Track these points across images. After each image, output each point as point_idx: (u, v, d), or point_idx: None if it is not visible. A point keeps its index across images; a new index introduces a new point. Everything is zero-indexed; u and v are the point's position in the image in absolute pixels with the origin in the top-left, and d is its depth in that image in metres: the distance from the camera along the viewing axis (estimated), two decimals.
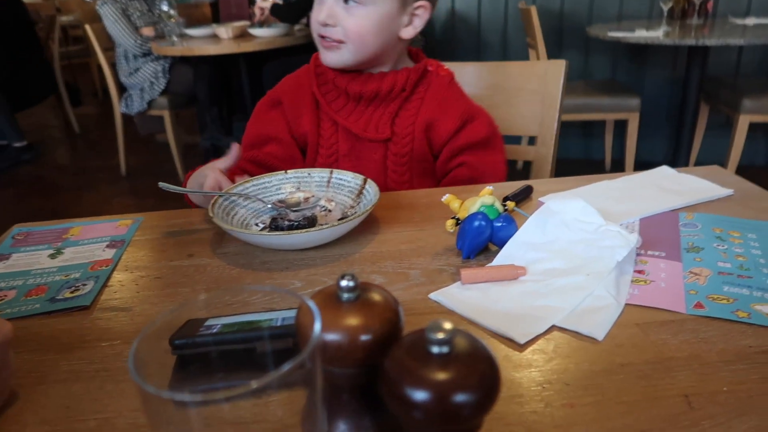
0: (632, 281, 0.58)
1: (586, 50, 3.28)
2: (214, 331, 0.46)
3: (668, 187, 0.80)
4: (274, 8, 2.99)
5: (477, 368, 0.30)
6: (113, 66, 3.37)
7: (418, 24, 0.94)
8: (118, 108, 3.36)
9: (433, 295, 0.58)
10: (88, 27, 3.32)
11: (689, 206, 0.75)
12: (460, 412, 0.29)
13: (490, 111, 1.27)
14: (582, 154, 3.47)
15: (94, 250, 0.73)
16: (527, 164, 1.26)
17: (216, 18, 4.34)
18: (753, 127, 2.64)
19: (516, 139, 1.24)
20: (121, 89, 3.39)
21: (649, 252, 0.64)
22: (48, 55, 4.43)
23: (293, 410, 0.31)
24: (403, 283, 0.61)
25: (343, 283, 0.34)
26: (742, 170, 2.80)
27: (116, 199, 3.27)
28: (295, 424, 0.32)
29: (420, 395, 0.29)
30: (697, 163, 3.02)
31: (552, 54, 3.20)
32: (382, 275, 0.63)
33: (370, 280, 0.62)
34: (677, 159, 2.84)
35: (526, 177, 1.25)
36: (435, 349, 0.30)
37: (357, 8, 0.88)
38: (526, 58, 3.15)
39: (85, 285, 0.64)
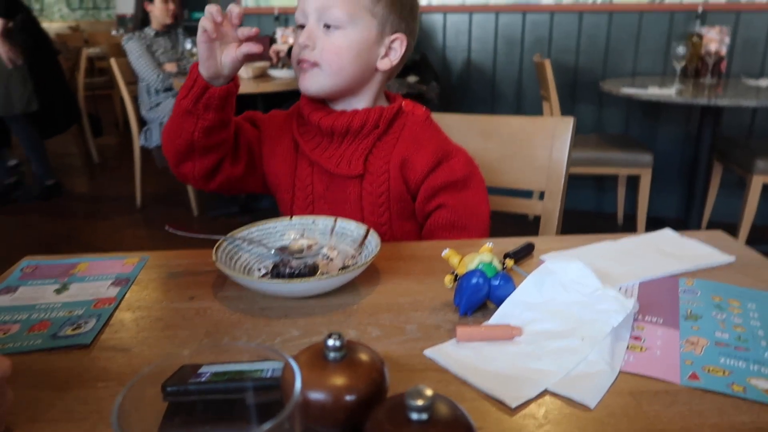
0: (628, 347, 0.58)
1: (599, 104, 3.32)
2: (206, 379, 0.46)
3: (670, 251, 0.81)
4: (290, 51, 3.08)
5: None
6: (135, 99, 3.47)
7: (394, 57, 0.96)
8: (138, 140, 3.43)
9: (427, 352, 0.58)
10: (113, 60, 3.43)
11: (690, 272, 0.75)
12: None
13: (499, 165, 1.30)
14: (594, 207, 3.48)
15: (99, 288, 0.74)
16: (538, 217, 1.27)
17: None
18: (766, 188, 2.64)
19: (527, 194, 1.25)
20: (142, 122, 3.47)
21: (647, 317, 0.64)
22: (73, 85, 4.56)
23: None
24: (398, 337, 0.61)
25: (330, 342, 0.35)
26: (755, 231, 2.79)
27: (129, 230, 3.31)
28: None
29: None
30: (710, 222, 3.01)
31: (565, 107, 3.24)
32: (378, 328, 0.63)
33: (367, 332, 0.62)
34: (690, 217, 2.83)
35: (536, 229, 1.26)
36: (414, 416, 0.30)
37: (336, 32, 0.90)
38: (539, 109, 3.20)
39: (87, 323, 0.65)
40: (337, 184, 0.97)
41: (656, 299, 0.68)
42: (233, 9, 0.84)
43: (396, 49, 0.96)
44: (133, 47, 3.30)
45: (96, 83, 5.94)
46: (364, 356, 0.36)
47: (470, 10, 3.41)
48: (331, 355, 0.35)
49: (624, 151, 2.78)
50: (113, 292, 0.73)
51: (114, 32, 6.64)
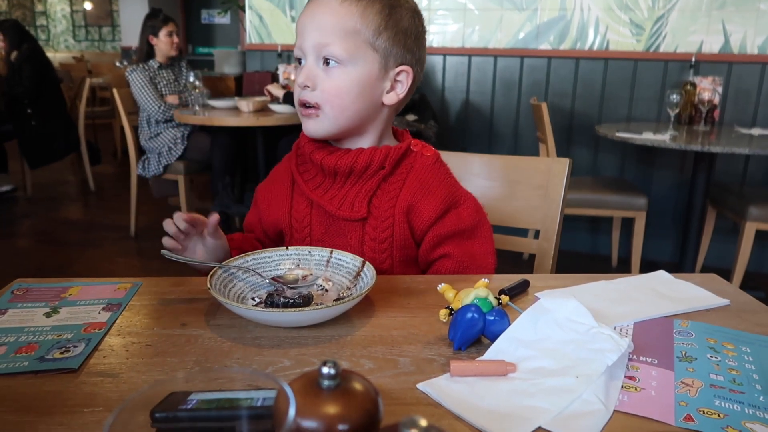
0: (622, 387, 0.58)
1: (595, 147, 3.37)
2: (195, 406, 0.46)
3: (664, 293, 0.81)
4: (286, 96, 3.12)
5: None
6: (135, 129, 3.50)
7: (401, 90, 0.92)
8: (136, 170, 3.45)
9: (420, 386, 0.57)
10: (115, 91, 3.47)
11: (684, 314, 0.75)
12: None
13: (496, 203, 1.31)
14: (589, 249, 3.49)
15: (90, 312, 0.73)
16: (533, 255, 1.27)
17: (239, 91, 4.53)
18: (760, 235, 2.66)
19: (524, 232, 1.26)
20: (140, 152, 3.49)
21: (642, 358, 0.63)
22: (74, 113, 4.61)
23: None
24: (391, 371, 0.61)
25: (325, 370, 0.34)
26: (749, 277, 2.79)
27: (122, 259, 3.29)
28: None
29: None
30: (704, 267, 3.02)
31: (561, 149, 3.29)
32: (371, 360, 0.63)
33: (360, 364, 0.62)
34: (684, 261, 2.84)
35: (531, 267, 1.26)
36: None
37: (336, 69, 0.87)
38: (536, 151, 3.24)
39: (76, 347, 0.64)
40: (338, 227, 0.92)
41: (651, 340, 0.68)
42: (177, 218, 0.86)
43: (402, 81, 0.91)
44: (136, 78, 3.34)
45: (97, 112, 6.00)
46: (358, 386, 0.36)
47: (469, 53, 3.48)
48: (326, 383, 0.35)
49: (619, 194, 2.80)
50: (104, 317, 0.72)
51: (118, 63, 6.74)
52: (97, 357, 0.63)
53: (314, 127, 0.90)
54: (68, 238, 3.65)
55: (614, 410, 0.54)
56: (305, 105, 0.89)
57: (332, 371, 0.35)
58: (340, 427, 0.33)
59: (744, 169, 3.15)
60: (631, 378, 0.60)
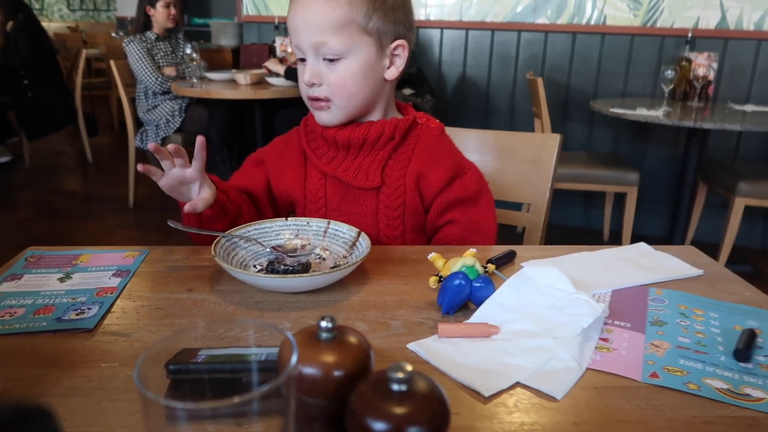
0: (596, 347, 0.63)
1: (590, 123, 3.40)
2: (206, 360, 0.50)
3: (643, 263, 0.85)
4: (288, 72, 3.12)
5: (430, 406, 0.34)
6: (133, 101, 3.51)
7: (400, 63, 0.95)
8: (134, 142, 3.46)
9: (410, 345, 0.62)
10: (113, 62, 3.46)
11: (660, 282, 0.80)
12: None
13: (489, 177, 1.34)
14: (581, 223, 3.54)
15: (101, 278, 0.78)
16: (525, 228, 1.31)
17: (236, 64, 4.52)
18: (750, 210, 2.71)
19: (518, 206, 1.30)
20: (138, 124, 3.51)
21: (616, 322, 0.68)
22: (70, 85, 4.60)
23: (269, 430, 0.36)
24: (384, 332, 0.66)
25: (323, 323, 0.39)
26: (737, 251, 2.85)
27: (121, 230, 3.33)
28: None
29: (378, 426, 0.33)
30: (694, 241, 3.07)
31: (556, 124, 3.31)
32: (365, 323, 0.67)
33: (354, 326, 0.67)
34: (674, 235, 2.90)
35: (522, 240, 1.31)
36: (395, 387, 0.34)
37: (337, 63, 0.90)
38: (531, 125, 3.26)
39: (90, 309, 0.69)
40: (353, 196, 0.97)
41: (626, 306, 0.73)
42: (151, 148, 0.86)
43: (400, 55, 0.95)
44: (133, 50, 3.34)
45: (93, 84, 5.97)
46: (352, 338, 0.40)
47: (467, 27, 3.48)
48: (324, 335, 0.39)
49: (612, 169, 2.84)
50: (114, 282, 0.77)
51: (114, 34, 6.67)
52: (110, 318, 0.68)
53: (327, 117, 0.95)
54: (67, 210, 3.69)
55: (587, 368, 0.59)
56: (315, 99, 0.93)
57: (329, 325, 0.39)
58: (336, 373, 0.38)
59: (736, 145, 3.19)
60: (604, 339, 0.65)
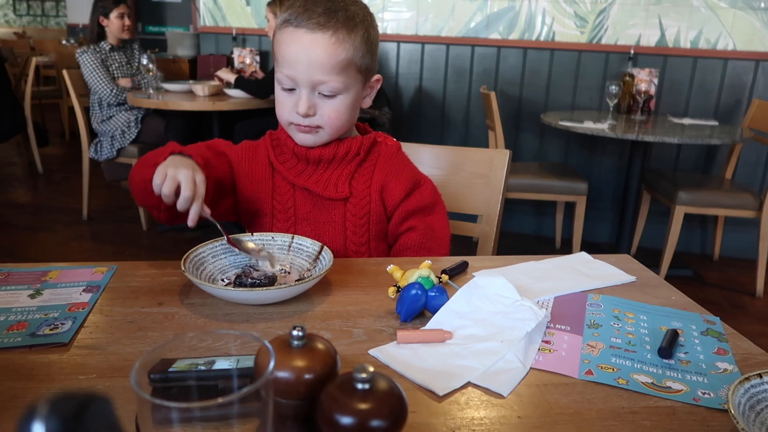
0: (539, 349, 0.70)
1: (541, 135, 3.54)
2: (183, 368, 0.54)
3: (583, 271, 0.93)
4: (239, 81, 3.14)
5: (390, 402, 0.40)
6: (86, 111, 3.45)
7: (373, 93, 1.05)
8: (87, 152, 3.41)
9: (371, 351, 0.67)
10: (65, 72, 3.41)
11: (597, 289, 0.88)
12: None
13: (443, 189, 1.41)
14: (534, 231, 3.67)
15: (72, 293, 0.80)
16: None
17: (193, 75, 4.50)
18: (689, 218, 2.88)
19: (473, 217, 1.36)
20: (92, 134, 3.46)
21: (557, 325, 0.76)
22: (19, 93, 4.48)
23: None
24: (347, 340, 0.71)
25: (294, 332, 0.44)
26: (678, 256, 3.02)
27: (75, 243, 3.27)
28: None
29: (345, 420, 0.39)
30: (639, 247, 3.24)
31: (509, 136, 3.43)
32: (329, 331, 0.72)
33: (319, 335, 0.71)
34: (621, 242, 3.04)
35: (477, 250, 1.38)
36: (359, 386, 0.40)
37: (332, 98, 0.96)
38: (486, 136, 3.37)
39: (63, 324, 0.72)
40: (322, 206, 1.03)
41: (567, 311, 0.80)
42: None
43: (374, 86, 1.04)
44: (87, 61, 3.29)
45: (43, 92, 5.82)
46: (320, 345, 0.45)
47: (423, 41, 3.58)
48: (295, 343, 0.44)
49: (562, 179, 2.97)
50: (86, 297, 0.79)
51: (65, 42, 6.53)
52: (84, 333, 0.71)
53: (312, 140, 1.01)
54: (18, 222, 3.60)
55: (531, 368, 0.66)
56: (304, 126, 0.98)
57: (300, 333, 0.44)
58: (306, 376, 0.43)
59: (677, 156, 3.38)
60: (546, 342, 0.71)
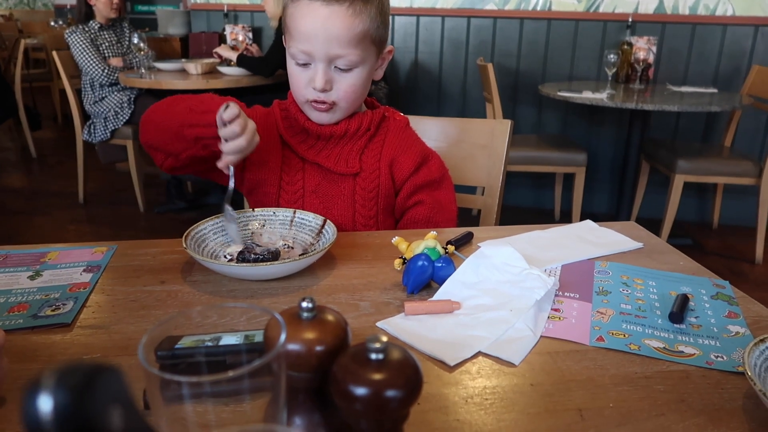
0: (549, 317, 0.69)
1: (539, 106, 3.50)
2: (190, 345, 0.53)
3: (589, 239, 0.92)
4: (242, 59, 3.08)
5: (404, 372, 0.39)
6: (78, 93, 3.40)
7: (385, 65, 1.03)
8: (81, 135, 3.37)
9: (379, 324, 0.67)
10: (55, 54, 3.35)
11: (605, 256, 0.87)
12: (390, 405, 0.38)
13: (446, 161, 1.40)
14: (533, 204, 3.66)
15: (72, 274, 0.79)
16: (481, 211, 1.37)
17: (185, 53, 4.43)
18: (688, 186, 2.87)
19: (472, 189, 1.35)
20: (85, 117, 3.41)
21: (566, 293, 0.75)
22: (9, 77, 4.41)
23: (259, 409, 0.39)
24: (354, 313, 0.70)
25: (304, 304, 0.43)
26: (678, 225, 3.02)
27: (72, 226, 3.25)
28: (259, 420, 0.41)
29: (360, 391, 0.38)
30: (639, 217, 3.23)
31: (507, 108, 3.40)
32: (336, 305, 0.71)
33: (329, 307, 0.70)
34: (620, 212, 3.04)
35: (479, 222, 1.36)
36: (373, 356, 0.39)
37: (350, 72, 0.94)
38: (483, 109, 3.34)
39: (65, 305, 0.70)
40: (331, 180, 1.02)
41: (575, 279, 0.79)
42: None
43: (386, 58, 1.02)
44: (76, 41, 3.23)
45: (33, 75, 5.73)
46: (330, 317, 0.44)
47: (417, 13, 3.52)
48: (305, 314, 0.43)
49: (560, 150, 2.95)
50: (86, 277, 0.78)
51: (53, 23, 6.41)
52: (86, 313, 0.70)
53: (328, 118, 0.99)
54: (13, 207, 3.57)
55: (541, 336, 0.65)
56: (320, 102, 0.96)
57: (310, 305, 0.43)
58: (317, 348, 0.42)
59: (676, 124, 3.35)
60: (556, 310, 0.71)
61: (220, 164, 0.87)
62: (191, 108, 0.88)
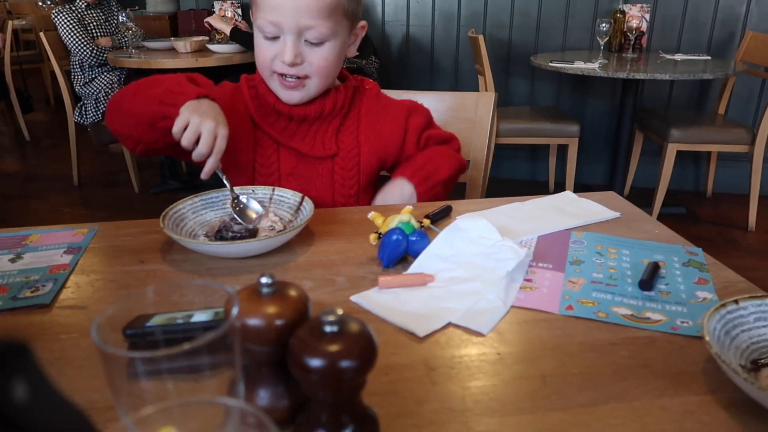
0: (521, 288, 0.70)
1: (532, 78, 3.48)
2: (160, 323, 0.54)
3: (567, 210, 0.93)
4: (235, 33, 3.04)
5: (359, 343, 0.40)
6: (68, 74, 3.38)
7: (358, 42, 1.01)
8: (72, 117, 3.36)
9: (353, 297, 0.68)
10: (42, 34, 3.32)
11: (581, 226, 0.87)
12: (345, 375, 0.39)
13: None
14: (528, 176, 3.66)
15: (52, 256, 0.80)
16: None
17: (174, 31, 4.38)
18: (682, 155, 2.86)
19: None
20: (76, 98, 3.39)
21: (540, 264, 0.76)
22: None
23: (223, 385, 0.40)
24: (329, 288, 0.71)
25: (263, 280, 0.44)
26: (672, 194, 3.02)
27: (67, 209, 3.26)
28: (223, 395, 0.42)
29: (315, 362, 0.39)
30: (633, 187, 3.23)
31: (500, 80, 3.38)
32: (312, 281, 0.72)
33: (301, 284, 0.71)
34: (614, 182, 3.04)
35: (464, 195, 1.37)
36: (328, 329, 0.40)
37: (321, 46, 0.92)
38: (476, 81, 3.32)
39: (44, 286, 0.71)
40: (308, 162, 1.01)
41: (550, 249, 0.80)
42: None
43: (359, 35, 1.01)
44: (63, 21, 3.20)
45: (23, 57, 5.67)
46: (291, 291, 0.45)
47: None
48: (264, 290, 0.44)
49: (553, 122, 2.94)
50: (66, 259, 0.79)
51: (41, 3, 6.33)
52: (66, 293, 0.71)
53: (298, 97, 0.96)
54: (9, 191, 3.57)
55: (512, 306, 0.66)
56: (290, 76, 0.93)
57: (269, 281, 0.44)
58: (277, 322, 0.43)
59: (669, 93, 3.33)
60: (528, 280, 0.71)
61: (203, 176, 0.85)
62: (161, 99, 0.86)
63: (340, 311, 0.40)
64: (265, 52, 0.94)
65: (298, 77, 0.94)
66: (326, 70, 0.95)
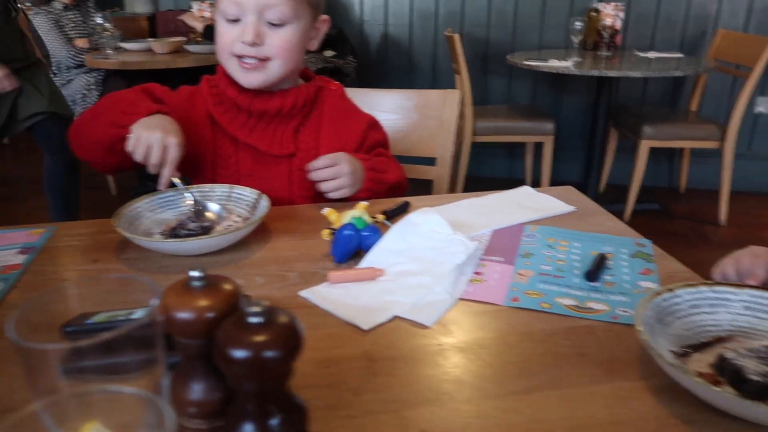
0: (471, 281, 0.71)
1: (509, 76, 3.50)
2: (100, 321, 0.55)
3: (524, 204, 0.94)
4: (208, 30, 3.03)
5: (283, 333, 0.40)
6: None
7: (320, 36, 1.01)
8: None
9: (301, 292, 0.68)
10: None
11: (536, 220, 0.89)
12: (268, 365, 0.39)
13: (396, 134, 1.41)
14: (506, 174, 3.68)
15: (5, 256, 0.79)
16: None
17: (153, 32, 4.35)
18: (656, 152, 2.89)
19: (427, 160, 1.36)
20: None
21: (491, 257, 0.77)
22: None
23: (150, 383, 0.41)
24: (280, 284, 0.71)
25: (192, 273, 0.44)
26: (646, 190, 3.05)
27: (44, 212, 3.22)
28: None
29: (238, 354, 0.39)
30: (608, 184, 3.26)
31: (478, 79, 3.39)
32: (264, 277, 0.73)
33: (253, 281, 0.72)
34: (590, 179, 3.07)
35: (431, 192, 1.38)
36: (252, 320, 0.40)
37: (282, 27, 0.92)
38: (454, 80, 3.33)
39: None
40: (266, 162, 1.00)
41: (503, 243, 0.81)
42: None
43: (321, 29, 1.01)
44: (40, 22, 3.17)
45: None
46: (223, 285, 0.46)
47: None
48: (195, 284, 0.44)
49: (529, 120, 2.96)
50: (20, 259, 0.79)
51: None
52: (16, 293, 0.70)
53: (258, 78, 0.95)
54: None
55: (459, 299, 0.67)
56: (249, 57, 0.93)
57: (199, 274, 0.44)
58: (208, 315, 0.43)
59: (643, 90, 3.37)
60: (478, 273, 0.73)
61: (160, 187, 0.88)
62: (116, 122, 0.88)
63: (265, 302, 0.41)
64: (224, 36, 0.94)
65: (259, 59, 0.93)
66: (287, 53, 0.94)
